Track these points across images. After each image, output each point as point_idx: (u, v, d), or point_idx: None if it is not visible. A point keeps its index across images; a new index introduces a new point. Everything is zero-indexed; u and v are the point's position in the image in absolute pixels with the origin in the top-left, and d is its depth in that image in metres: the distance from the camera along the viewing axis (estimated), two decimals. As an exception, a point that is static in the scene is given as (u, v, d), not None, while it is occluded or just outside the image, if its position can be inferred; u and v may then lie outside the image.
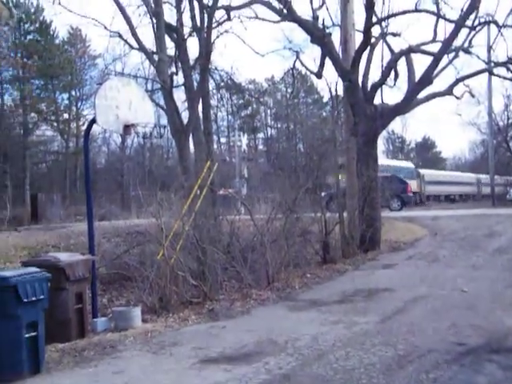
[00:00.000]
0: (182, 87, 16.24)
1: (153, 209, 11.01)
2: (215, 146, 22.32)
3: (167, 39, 15.40)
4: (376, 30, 16.80)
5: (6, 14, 44.09)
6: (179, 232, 10.25)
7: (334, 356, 6.17)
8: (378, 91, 16.39)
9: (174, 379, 5.75)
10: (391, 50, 17.19)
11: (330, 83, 17.26)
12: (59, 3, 15.65)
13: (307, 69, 19.00)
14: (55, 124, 45.77)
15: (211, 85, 17.73)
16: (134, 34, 15.24)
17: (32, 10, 43.95)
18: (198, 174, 12.53)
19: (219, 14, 16.25)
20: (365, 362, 5.92)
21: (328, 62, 16.74)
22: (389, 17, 16.82)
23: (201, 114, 15.63)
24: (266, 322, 8.03)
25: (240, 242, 11.89)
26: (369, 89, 16.23)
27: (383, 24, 17.15)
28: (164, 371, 5.98)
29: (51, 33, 44.86)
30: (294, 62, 19.58)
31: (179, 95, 17.37)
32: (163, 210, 10.81)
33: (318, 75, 17.60)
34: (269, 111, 59.99)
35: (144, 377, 5.87)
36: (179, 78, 16.48)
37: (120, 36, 16.22)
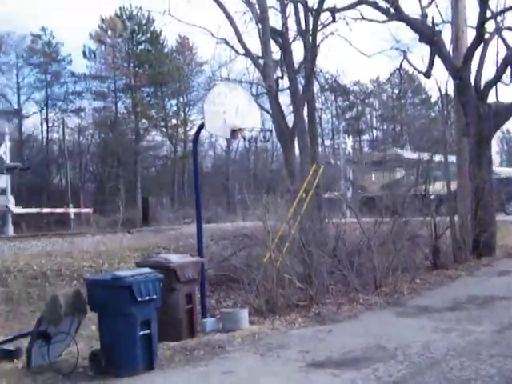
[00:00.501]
0: (287, 91, 16.32)
1: (259, 212, 11.13)
2: (320, 149, 22.19)
3: (272, 44, 15.55)
4: (490, 25, 16.03)
5: (119, 26, 46.64)
6: (285, 235, 10.29)
7: (447, 365, 5.93)
8: (492, 89, 15.61)
9: (283, 382, 5.78)
10: (507, 45, 16.32)
11: (439, 82, 16.69)
12: (169, 13, 16.23)
13: (415, 68, 18.48)
14: (164, 129, 47.61)
15: (316, 87, 17.65)
16: (240, 40, 15.52)
17: (143, 22, 46.01)
18: (304, 178, 12.52)
19: (324, 17, 16.18)
20: (481, 373, 5.64)
21: (437, 60, 16.18)
22: (505, 10, 15.98)
23: (306, 117, 15.61)
24: (374, 328, 7.87)
25: (346, 245, 11.75)
26: (482, 87, 15.50)
27: (498, 18, 16.32)
28: (272, 373, 6.02)
29: (161, 42, 46.89)
30: (401, 61, 19.10)
31: (284, 99, 17.47)
32: (269, 213, 10.91)
33: (427, 75, 17.06)
34: (374, 113, 58.96)
35: (252, 378, 5.94)
36: (284, 82, 16.55)
37: (226, 42, 16.58)
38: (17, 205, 24.86)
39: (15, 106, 44.88)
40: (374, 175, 28.40)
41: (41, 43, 45.61)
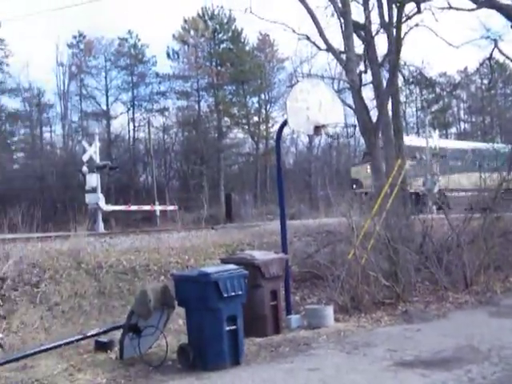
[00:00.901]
0: (371, 85, 16.04)
1: (343, 208, 11.03)
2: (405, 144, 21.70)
3: (355, 38, 15.32)
4: None
5: (202, 26, 47.39)
6: (370, 231, 10.15)
7: (545, 369, 5.66)
8: None
9: (370, 380, 5.70)
10: None
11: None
12: (250, 11, 16.33)
13: (507, 57, 17.70)
14: (246, 127, 48.04)
15: (400, 80, 17.24)
16: (322, 35, 15.39)
17: (225, 21, 46.62)
18: (389, 173, 12.29)
19: (408, 8, 15.76)
20: None
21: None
22: None
23: (390, 112, 15.30)
24: (465, 327, 7.62)
25: (434, 242, 11.42)
26: None
27: None
28: (358, 371, 5.96)
29: (242, 40, 47.31)
30: (492, 50, 18.30)
31: (367, 93, 17.18)
32: (353, 209, 10.80)
33: (520, 63, 16.27)
34: (462, 105, 56.91)
35: (339, 375, 5.89)
36: (367, 76, 16.27)
37: (308, 38, 16.48)
38: (106, 202, 25.80)
39: (104, 108, 46.74)
40: (368, 166, 23.49)
41: (127, 46, 47.22)
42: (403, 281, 9.55)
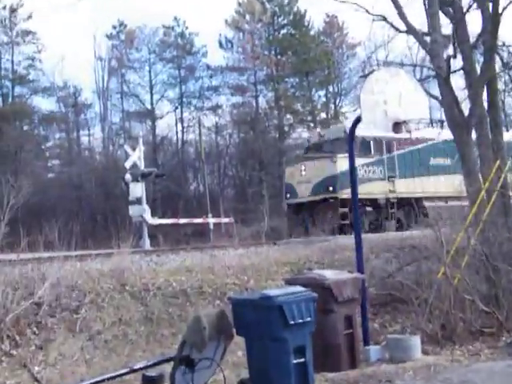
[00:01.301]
0: (461, 72, 15.70)
1: (429, 219, 10.84)
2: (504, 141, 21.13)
3: (441, 16, 15.05)
4: None
5: (258, 9, 47.55)
6: (463, 246, 9.94)
7: None
8: None
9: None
10: None
11: None
12: (315, -11, 16.33)
13: None
14: (312, 125, 47.92)
15: (497, 65, 16.78)
16: (401, 15, 15.17)
17: (285, 2, 46.75)
18: (485, 176, 11.98)
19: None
20: None
21: None
22: None
23: (485, 103, 14.93)
24: None
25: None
26: None
27: None
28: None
29: (306, 24, 47.31)
30: None
31: (457, 82, 16.84)
32: (442, 219, 10.60)
33: None
34: None
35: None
36: (457, 62, 15.94)
37: (384, 19, 16.28)
38: (152, 215, 26.10)
39: (148, 107, 47.65)
40: (303, 167, 22.61)
41: (173, 35, 48.04)
42: (506, 306, 9.28)
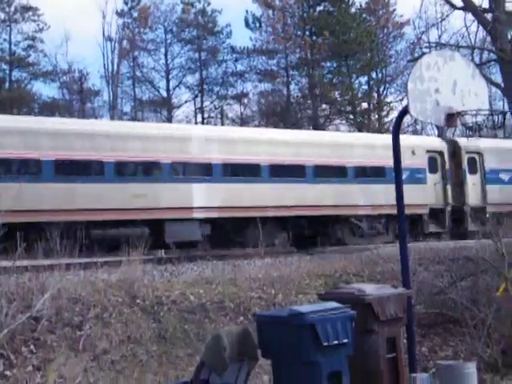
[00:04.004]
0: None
1: (488, 227, 10.76)
2: None
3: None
4: None
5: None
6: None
7: None
8: None
9: None
10: None
11: None
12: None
13: None
14: (352, 116, 47.79)
15: None
16: (458, -13, 15.15)
17: (322, -26, 46.69)
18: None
19: None
20: None
21: None
22: None
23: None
24: None
25: None
26: None
27: None
28: None
29: (346, 0, 47.06)
30: None
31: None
32: (503, 227, 10.51)
33: None
34: None
35: None
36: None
37: (437, -7, 16.27)
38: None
39: (164, 94, 47.86)
40: None
41: (193, 13, 48.22)
42: None
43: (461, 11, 16.27)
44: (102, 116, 48.65)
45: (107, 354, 9.27)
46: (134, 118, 47.81)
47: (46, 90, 46.58)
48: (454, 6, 16.25)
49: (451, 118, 8.99)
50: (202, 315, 10.67)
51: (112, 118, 47.02)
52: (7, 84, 45.40)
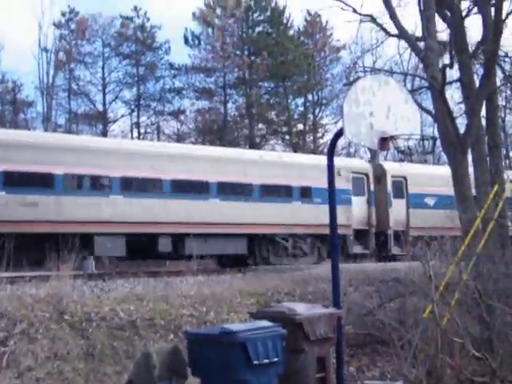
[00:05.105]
0: (458, 84, 15.94)
1: (416, 249, 10.94)
2: (504, 163, 21.46)
3: (438, 20, 15.27)
4: None
5: (231, 2, 47.66)
6: (454, 282, 10.03)
7: None
8: None
9: None
10: None
11: None
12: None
13: None
14: (287, 137, 48.10)
15: (498, 77, 17.05)
16: (393, 17, 15.38)
17: (262, -4, 47.06)
18: (481, 203, 12.13)
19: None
20: None
21: None
22: None
23: (483, 120, 15.15)
24: None
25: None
26: None
27: None
28: None
29: (284, 22, 47.58)
30: None
31: (453, 95, 17.12)
32: (431, 250, 10.69)
33: None
34: None
35: None
36: (453, 72, 16.21)
37: (373, 20, 16.52)
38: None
39: (100, 108, 47.42)
40: None
41: (132, 28, 47.96)
42: (501, 352, 9.36)
43: (395, 38, 16.53)
44: (36, 128, 47.99)
45: (32, 371, 9.07)
46: (68, 131, 47.22)
47: (-24, 101, 45.44)
48: (388, 33, 16.50)
49: (384, 141, 9.13)
50: (132, 332, 10.55)
51: (46, 129, 46.32)
52: None
